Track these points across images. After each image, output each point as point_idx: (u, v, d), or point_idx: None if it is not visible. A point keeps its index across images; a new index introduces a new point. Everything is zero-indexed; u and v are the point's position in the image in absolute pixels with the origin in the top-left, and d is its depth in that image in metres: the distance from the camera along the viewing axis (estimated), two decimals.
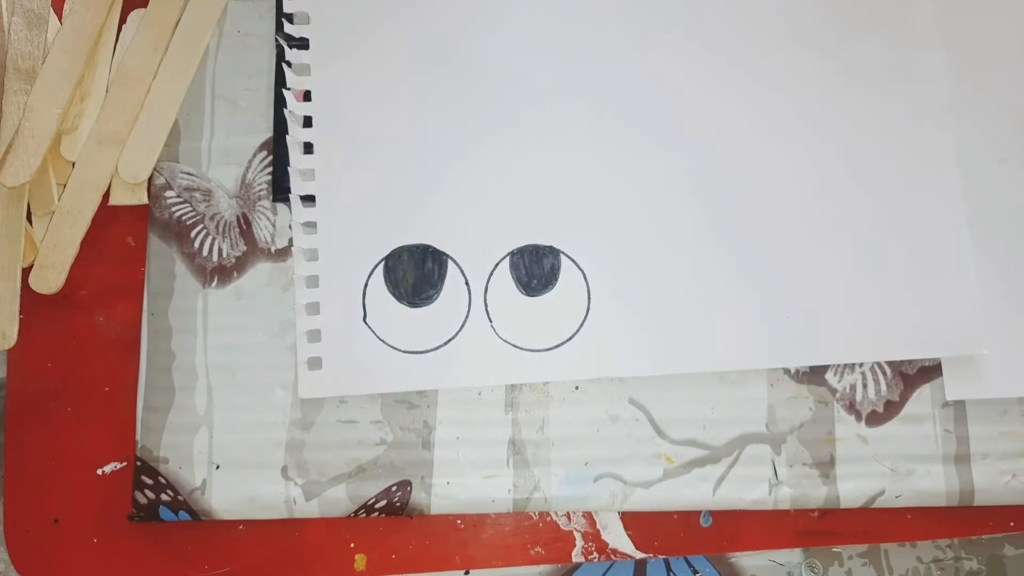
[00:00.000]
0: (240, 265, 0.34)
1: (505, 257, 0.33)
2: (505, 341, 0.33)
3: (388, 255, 0.33)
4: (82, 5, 0.35)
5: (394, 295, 0.33)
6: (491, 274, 0.33)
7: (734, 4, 0.35)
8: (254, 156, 0.34)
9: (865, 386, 0.33)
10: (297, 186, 0.33)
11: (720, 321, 0.33)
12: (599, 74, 0.34)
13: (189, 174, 0.34)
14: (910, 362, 0.34)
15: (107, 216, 0.34)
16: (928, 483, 0.33)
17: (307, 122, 0.34)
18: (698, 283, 0.33)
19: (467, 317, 0.33)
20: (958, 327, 0.33)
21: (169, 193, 0.34)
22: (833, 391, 0.33)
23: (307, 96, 0.34)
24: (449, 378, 0.33)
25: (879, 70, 0.34)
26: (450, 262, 0.33)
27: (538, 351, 0.33)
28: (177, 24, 0.35)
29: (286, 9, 0.34)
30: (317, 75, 0.34)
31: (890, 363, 0.34)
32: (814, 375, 0.33)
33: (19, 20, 0.35)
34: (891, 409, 0.33)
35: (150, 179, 0.34)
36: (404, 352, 0.33)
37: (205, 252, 0.34)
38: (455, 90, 0.34)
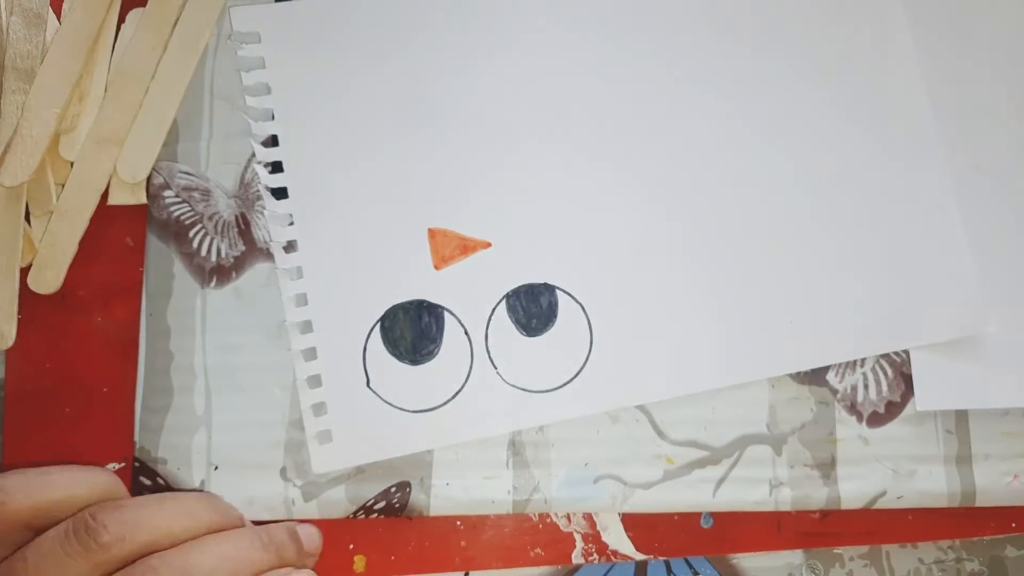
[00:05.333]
0: (239, 265, 0.34)
1: (501, 300, 0.33)
2: (513, 385, 0.32)
3: (383, 316, 0.33)
4: (81, 5, 0.35)
5: (395, 355, 0.32)
6: (489, 319, 0.33)
7: (701, 17, 0.34)
8: (252, 155, 0.34)
9: (866, 387, 0.33)
10: (282, 259, 0.33)
11: (725, 336, 0.33)
12: (578, 109, 0.34)
13: (188, 174, 0.34)
14: (911, 362, 0.33)
15: (105, 216, 0.34)
16: (929, 484, 0.33)
17: (282, 193, 0.33)
18: (698, 301, 0.33)
19: (471, 367, 0.32)
20: (960, 307, 0.33)
21: (168, 193, 0.34)
22: (834, 392, 0.33)
23: (280, 166, 0.33)
24: (462, 431, 0.32)
25: (849, 61, 0.34)
26: (446, 313, 0.33)
27: (548, 391, 0.32)
28: (176, 23, 0.35)
29: (245, 82, 0.34)
30: (286, 147, 0.33)
31: (891, 363, 0.34)
32: (815, 376, 0.33)
33: (17, 19, 0.35)
34: (892, 410, 0.33)
35: (149, 179, 0.34)
36: (413, 412, 0.32)
37: (204, 252, 0.34)
38: (430, 141, 0.33)
